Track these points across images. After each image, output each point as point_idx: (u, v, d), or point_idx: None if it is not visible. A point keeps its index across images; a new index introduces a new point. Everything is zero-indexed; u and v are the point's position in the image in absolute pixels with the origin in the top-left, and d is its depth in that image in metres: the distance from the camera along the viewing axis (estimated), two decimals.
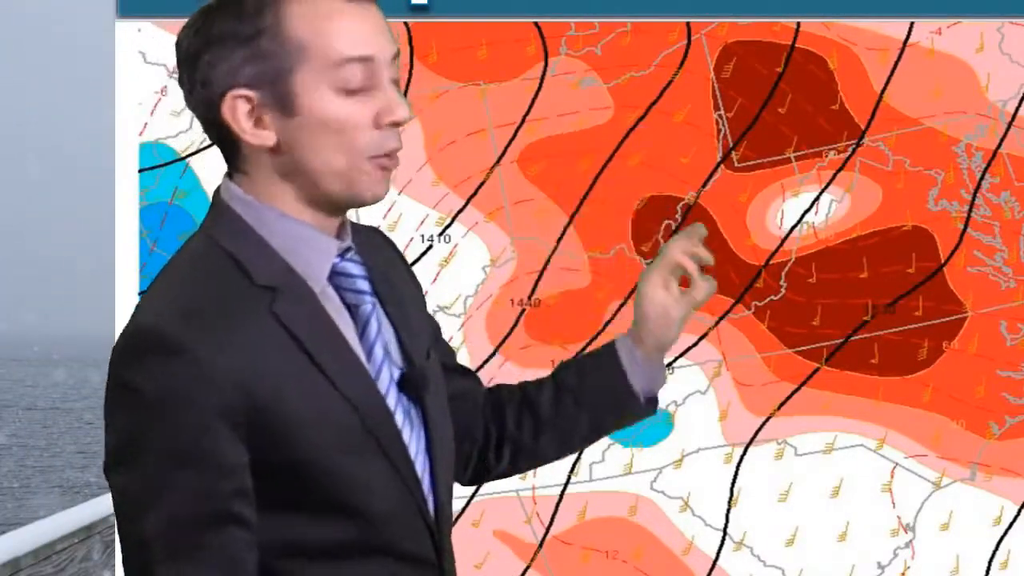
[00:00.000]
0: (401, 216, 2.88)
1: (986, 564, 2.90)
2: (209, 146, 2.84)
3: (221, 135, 1.55)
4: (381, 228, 1.78)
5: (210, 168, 2.85)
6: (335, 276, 1.57)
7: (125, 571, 1.49)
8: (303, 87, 1.51)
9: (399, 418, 1.57)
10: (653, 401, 1.81)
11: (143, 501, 1.44)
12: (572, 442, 1.83)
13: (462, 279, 2.89)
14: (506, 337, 2.89)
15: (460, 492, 2.86)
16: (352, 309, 1.57)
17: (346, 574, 1.52)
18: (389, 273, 1.66)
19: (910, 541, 2.91)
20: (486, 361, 2.88)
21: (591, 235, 2.90)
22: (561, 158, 2.90)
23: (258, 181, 1.55)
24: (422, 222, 2.89)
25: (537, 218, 2.90)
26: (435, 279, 2.89)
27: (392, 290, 1.64)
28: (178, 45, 1.56)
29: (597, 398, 1.79)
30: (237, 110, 1.52)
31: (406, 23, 2.87)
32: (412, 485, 1.56)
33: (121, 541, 1.47)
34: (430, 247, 2.88)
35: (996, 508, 2.91)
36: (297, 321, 1.51)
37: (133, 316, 1.51)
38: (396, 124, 1.53)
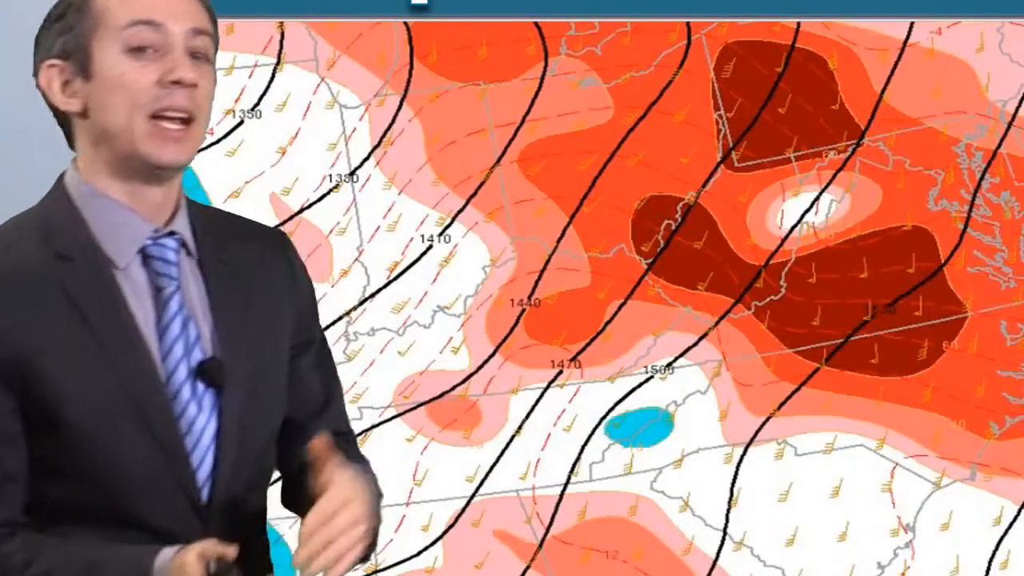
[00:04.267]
0: (401, 216, 2.88)
1: (986, 564, 2.90)
2: (209, 146, 2.85)
3: (53, 111, 1.70)
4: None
5: (210, 168, 2.86)
6: (148, 258, 1.67)
7: None
8: (98, 51, 1.64)
9: (182, 401, 1.65)
10: None
11: None
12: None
13: (462, 279, 2.89)
14: (506, 337, 2.89)
15: (460, 492, 2.87)
16: (158, 291, 1.66)
17: (104, 540, 1.62)
18: (254, 273, 1.75)
19: (910, 541, 2.91)
20: (486, 361, 2.88)
21: (591, 235, 2.90)
22: (561, 158, 2.90)
23: (82, 152, 1.69)
24: (422, 222, 2.88)
25: (537, 218, 2.90)
26: (435, 279, 2.89)
27: (237, 287, 1.72)
28: None
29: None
30: (52, 80, 1.67)
31: (406, 23, 2.87)
32: (177, 464, 1.64)
33: None
34: (430, 247, 2.88)
35: (996, 508, 2.91)
36: (82, 291, 1.62)
37: None
38: (177, 82, 1.63)
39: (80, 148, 1.69)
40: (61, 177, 1.71)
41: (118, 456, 1.61)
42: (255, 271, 1.76)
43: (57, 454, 1.61)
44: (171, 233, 1.69)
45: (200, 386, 1.66)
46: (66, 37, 1.65)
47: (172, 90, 1.63)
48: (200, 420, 1.65)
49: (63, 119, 1.70)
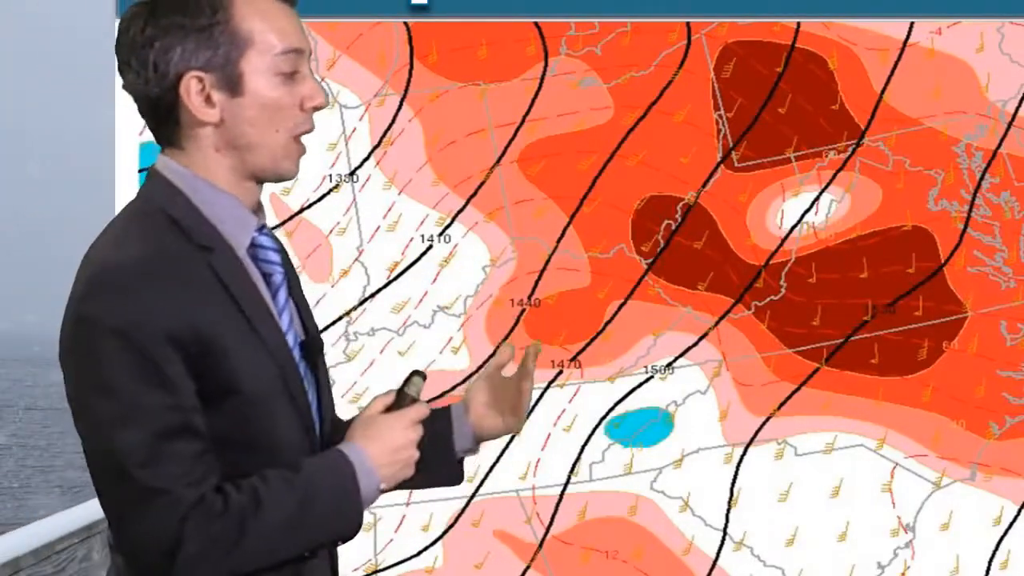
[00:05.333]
0: (401, 216, 2.88)
1: (986, 564, 2.90)
2: None
3: (164, 113, 1.78)
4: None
5: None
6: (253, 247, 1.81)
7: (97, 484, 1.71)
8: (249, 71, 1.76)
9: (301, 375, 1.81)
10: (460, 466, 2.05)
11: (117, 418, 1.66)
12: None
13: (462, 279, 2.89)
14: (506, 337, 2.89)
15: (460, 492, 2.87)
16: (265, 278, 1.82)
17: None
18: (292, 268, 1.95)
19: (910, 541, 2.91)
20: (486, 361, 2.88)
21: (591, 235, 2.90)
22: (561, 158, 2.90)
23: (193, 154, 1.79)
24: (422, 222, 2.89)
25: (537, 218, 2.90)
26: (435, 279, 2.89)
27: (295, 278, 1.91)
28: (124, 33, 1.78)
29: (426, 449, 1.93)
30: (192, 89, 1.75)
31: (406, 23, 2.87)
32: (311, 433, 1.81)
33: (94, 455, 1.70)
34: (430, 247, 2.88)
35: (996, 508, 2.91)
36: (228, 277, 1.76)
37: (90, 262, 1.73)
38: (316, 108, 1.80)
39: (193, 149, 1.79)
40: (160, 173, 1.80)
41: (276, 426, 1.76)
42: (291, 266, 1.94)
43: (226, 426, 1.73)
44: (263, 225, 1.84)
45: (303, 364, 1.83)
46: (212, 52, 1.75)
47: (310, 114, 1.80)
48: (310, 392, 1.83)
49: (170, 120, 1.78)
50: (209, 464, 1.70)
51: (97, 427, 1.69)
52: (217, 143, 1.78)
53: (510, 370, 2.03)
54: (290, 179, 1.84)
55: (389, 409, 1.83)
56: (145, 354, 1.66)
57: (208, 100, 1.76)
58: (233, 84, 1.76)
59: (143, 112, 1.80)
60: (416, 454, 1.81)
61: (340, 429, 1.90)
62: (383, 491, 1.79)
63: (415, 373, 1.84)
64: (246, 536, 1.68)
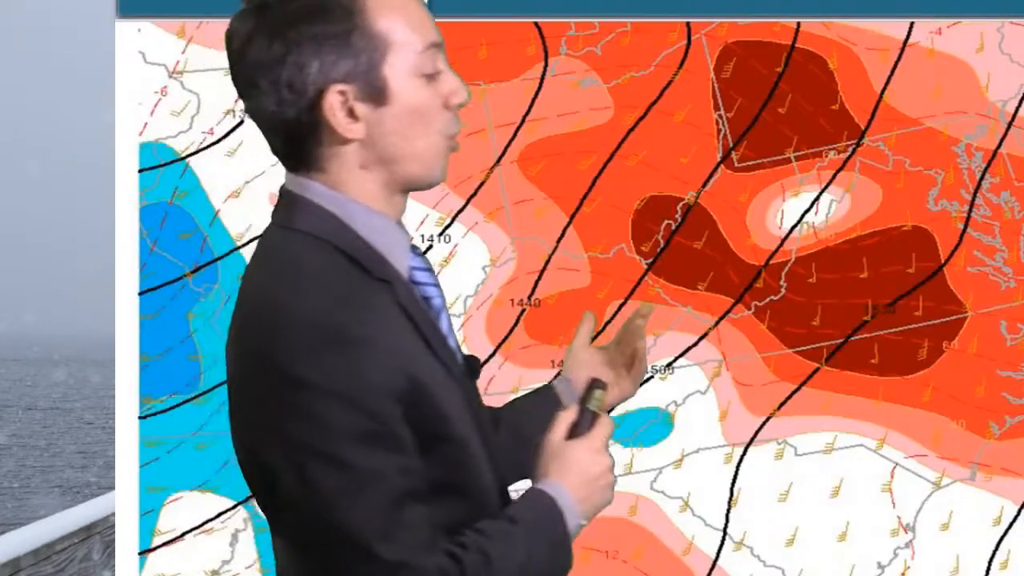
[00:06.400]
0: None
1: (986, 564, 2.90)
2: (209, 146, 2.84)
3: (303, 135, 1.59)
4: None
5: (210, 168, 2.85)
6: (410, 269, 1.64)
7: (320, 557, 1.53)
8: (392, 76, 1.57)
9: None
10: None
11: (350, 489, 1.50)
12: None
13: (462, 279, 2.89)
14: (506, 337, 2.89)
15: None
16: (427, 301, 1.64)
17: None
18: None
19: (910, 541, 2.91)
20: (486, 361, 2.88)
21: (591, 235, 2.90)
22: (561, 158, 2.90)
23: (338, 174, 1.60)
24: (422, 222, 2.88)
25: (537, 218, 2.90)
26: None
27: None
28: (243, 52, 1.59)
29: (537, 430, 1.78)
30: (336, 106, 1.56)
31: None
32: (496, 467, 1.66)
33: (319, 528, 1.52)
34: (430, 247, 2.88)
35: (996, 508, 2.91)
36: (413, 311, 1.59)
37: (279, 308, 1.54)
38: (460, 105, 1.62)
39: (336, 169, 1.60)
40: (303, 198, 1.62)
41: (477, 466, 1.62)
42: None
43: (438, 475, 1.57)
44: (415, 246, 1.67)
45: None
46: (353, 61, 1.56)
47: (455, 112, 1.62)
48: None
49: (308, 141, 1.59)
50: (436, 525, 1.55)
51: (324, 500, 1.51)
52: (363, 160, 1.59)
53: (606, 338, 1.89)
54: (438, 184, 1.64)
55: (574, 428, 1.68)
56: (373, 417, 1.50)
57: (351, 114, 1.56)
58: (377, 93, 1.56)
59: (274, 137, 1.62)
60: (612, 479, 1.67)
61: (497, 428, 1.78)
62: (583, 526, 1.66)
63: (595, 385, 1.71)
64: None
